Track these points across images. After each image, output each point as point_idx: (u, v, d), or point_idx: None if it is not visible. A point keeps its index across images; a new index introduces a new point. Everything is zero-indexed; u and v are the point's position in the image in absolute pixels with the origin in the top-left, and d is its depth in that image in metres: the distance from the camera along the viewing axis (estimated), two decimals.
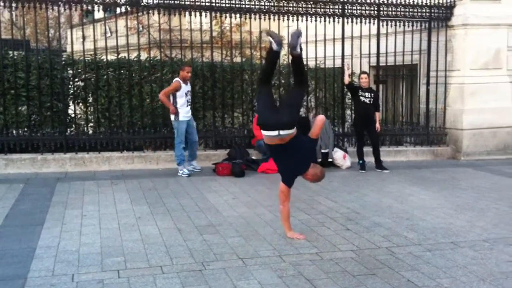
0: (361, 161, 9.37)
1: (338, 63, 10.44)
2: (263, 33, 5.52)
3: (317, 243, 5.24)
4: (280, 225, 5.80)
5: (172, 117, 8.71)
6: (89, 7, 9.37)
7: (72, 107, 9.76)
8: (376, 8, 10.53)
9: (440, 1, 10.79)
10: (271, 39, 5.16)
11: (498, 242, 5.35)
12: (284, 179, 5.34)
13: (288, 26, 10.39)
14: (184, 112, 8.71)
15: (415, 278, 4.38)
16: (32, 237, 5.36)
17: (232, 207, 6.64)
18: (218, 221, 6.00)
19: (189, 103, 8.88)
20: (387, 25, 10.59)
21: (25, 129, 9.23)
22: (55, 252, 4.92)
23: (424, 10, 10.81)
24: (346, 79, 9.51)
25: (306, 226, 5.81)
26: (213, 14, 9.89)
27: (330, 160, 9.70)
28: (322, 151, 9.64)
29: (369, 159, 9.50)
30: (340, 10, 10.37)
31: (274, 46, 5.12)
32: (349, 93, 10.07)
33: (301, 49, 5.17)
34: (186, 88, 8.79)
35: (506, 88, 10.97)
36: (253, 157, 9.63)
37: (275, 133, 5.12)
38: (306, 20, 10.09)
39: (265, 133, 5.23)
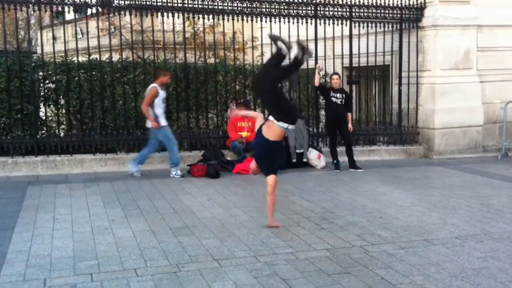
0: (335, 161, 9.43)
1: (311, 64, 10.47)
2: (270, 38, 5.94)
3: (292, 242, 5.26)
4: (255, 226, 5.81)
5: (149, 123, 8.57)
6: (60, 8, 9.23)
7: (43, 109, 9.59)
8: (348, 10, 10.61)
9: (411, 3, 10.94)
10: (281, 45, 5.59)
11: (469, 239, 5.44)
12: (275, 171, 5.67)
13: (262, 28, 10.42)
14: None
15: (389, 276, 4.42)
16: (3, 242, 5.25)
17: (207, 209, 6.61)
18: (193, 222, 5.96)
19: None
20: (359, 26, 10.68)
21: None
22: (27, 257, 4.83)
23: (395, 12, 10.93)
24: (317, 82, 9.55)
25: (282, 226, 5.81)
26: (186, 15, 9.85)
27: (305, 160, 9.76)
28: (297, 151, 9.69)
29: (344, 158, 9.58)
30: (312, 12, 10.41)
31: (284, 52, 5.62)
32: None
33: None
34: (163, 94, 8.68)
35: (475, 88, 11.16)
36: (228, 158, 9.61)
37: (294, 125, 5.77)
38: (279, 22, 10.12)
39: (291, 126, 5.61)
